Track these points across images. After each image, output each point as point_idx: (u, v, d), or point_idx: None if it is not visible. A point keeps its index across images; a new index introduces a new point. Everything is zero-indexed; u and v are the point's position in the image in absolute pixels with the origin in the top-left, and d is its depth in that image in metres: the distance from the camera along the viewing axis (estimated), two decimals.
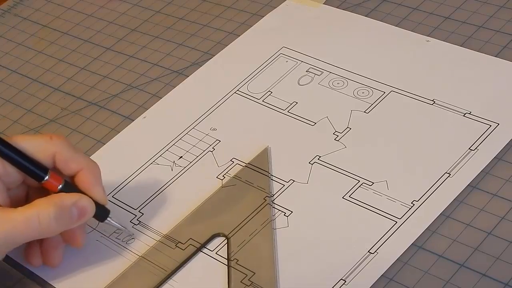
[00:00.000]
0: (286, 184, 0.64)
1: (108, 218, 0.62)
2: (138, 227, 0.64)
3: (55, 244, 0.61)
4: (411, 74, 0.70)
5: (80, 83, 0.79)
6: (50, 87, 0.80)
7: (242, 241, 0.61)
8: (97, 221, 0.62)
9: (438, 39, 0.72)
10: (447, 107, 0.66)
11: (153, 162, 0.69)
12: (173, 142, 0.70)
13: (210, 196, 0.65)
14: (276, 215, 0.62)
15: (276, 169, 0.65)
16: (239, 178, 0.65)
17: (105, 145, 0.72)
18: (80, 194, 0.60)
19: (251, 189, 0.64)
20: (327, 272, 0.58)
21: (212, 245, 0.62)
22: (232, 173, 0.66)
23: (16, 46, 0.86)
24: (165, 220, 0.64)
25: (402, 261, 0.58)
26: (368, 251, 0.58)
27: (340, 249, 0.59)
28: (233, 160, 0.67)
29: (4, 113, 0.78)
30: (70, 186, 0.60)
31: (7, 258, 0.62)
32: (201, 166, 0.67)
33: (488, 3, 0.75)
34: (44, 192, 0.60)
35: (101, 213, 0.61)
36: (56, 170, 0.60)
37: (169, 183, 0.67)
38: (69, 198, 0.59)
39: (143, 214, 0.65)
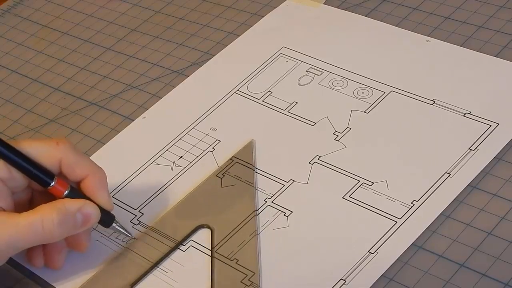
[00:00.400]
0: (286, 184, 0.64)
1: (113, 224, 0.62)
2: (138, 227, 0.64)
3: (58, 247, 0.61)
4: (411, 74, 0.70)
5: (80, 83, 0.79)
6: (50, 87, 0.80)
7: (226, 232, 0.61)
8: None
9: (438, 39, 0.72)
10: (447, 107, 0.66)
11: (153, 162, 0.69)
12: (173, 142, 0.70)
13: (195, 189, 0.65)
14: (276, 215, 0.62)
15: (276, 169, 0.65)
16: (225, 172, 0.65)
17: (105, 145, 0.72)
18: (85, 200, 0.60)
19: (237, 182, 0.64)
20: (327, 272, 0.58)
21: (196, 237, 0.62)
22: (232, 172, 0.66)
23: (16, 46, 0.86)
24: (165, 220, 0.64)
25: (402, 261, 0.58)
26: (368, 251, 0.58)
27: (340, 249, 0.59)
28: (233, 160, 0.67)
29: (4, 113, 0.78)
30: (76, 192, 0.60)
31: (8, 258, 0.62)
32: (201, 166, 0.67)
33: (488, 3, 0.75)
34: (49, 195, 0.60)
35: (107, 219, 0.61)
36: (62, 176, 0.60)
37: (169, 183, 0.67)
38: (74, 204, 0.59)
39: (143, 214, 0.65)
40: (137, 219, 0.65)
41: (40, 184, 0.59)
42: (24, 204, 0.62)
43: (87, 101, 0.77)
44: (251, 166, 0.65)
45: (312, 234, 0.60)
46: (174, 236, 0.62)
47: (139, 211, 0.65)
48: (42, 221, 0.57)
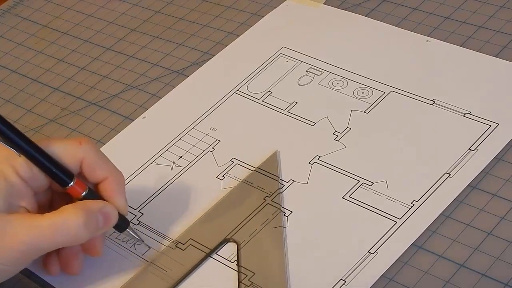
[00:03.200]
0: (286, 184, 0.64)
1: (127, 229, 0.61)
2: (138, 227, 0.64)
3: (75, 252, 0.60)
4: (411, 74, 0.70)
5: (80, 83, 0.79)
6: (50, 87, 0.80)
7: (252, 246, 0.61)
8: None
9: (438, 39, 0.72)
10: (447, 107, 0.66)
11: (153, 162, 0.69)
12: (173, 142, 0.70)
13: (220, 201, 0.64)
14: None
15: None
16: (248, 183, 0.65)
17: (105, 145, 0.72)
18: (103, 201, 0.59)
19: (261, 194, 0.64)
20: (327, 272, 0.58)
21: (222, 251, 0.61)
22: (232, 173, 0.66)
23: (16, 46, 0.86)
24: (165, 220, 0.64)
25: (402, 261, 0.58)
26: (368, 251, 0.58)
27: (340, 249, 0.59)
28: (233, 160, 0.67)
29: (4, 113, 0.78)
30: (94, 193, 0.59)
31: None
32: (201, 166, 0.67)
33: (488, 3, 0.75)
34: (68, 199, 0.59)
35: (121, 223, 0.61)
36: (81, 176, 0.60)
37: (169, 183, 0.67)
38: (95, 204, 0.58)
39: (143, 214, 0.65)
40: (137, 219, 0.65)
41: (59, 183, 0.59)
42: (45, 206, 0.61)
43: (87, 101, 0.77)
44: (276, 178, 0.65)
45: (312, 234, 0.60)
46: (200, 250, 0.61)
47: (139, 211, 0.65)
48: (68, 222, 0.56)
